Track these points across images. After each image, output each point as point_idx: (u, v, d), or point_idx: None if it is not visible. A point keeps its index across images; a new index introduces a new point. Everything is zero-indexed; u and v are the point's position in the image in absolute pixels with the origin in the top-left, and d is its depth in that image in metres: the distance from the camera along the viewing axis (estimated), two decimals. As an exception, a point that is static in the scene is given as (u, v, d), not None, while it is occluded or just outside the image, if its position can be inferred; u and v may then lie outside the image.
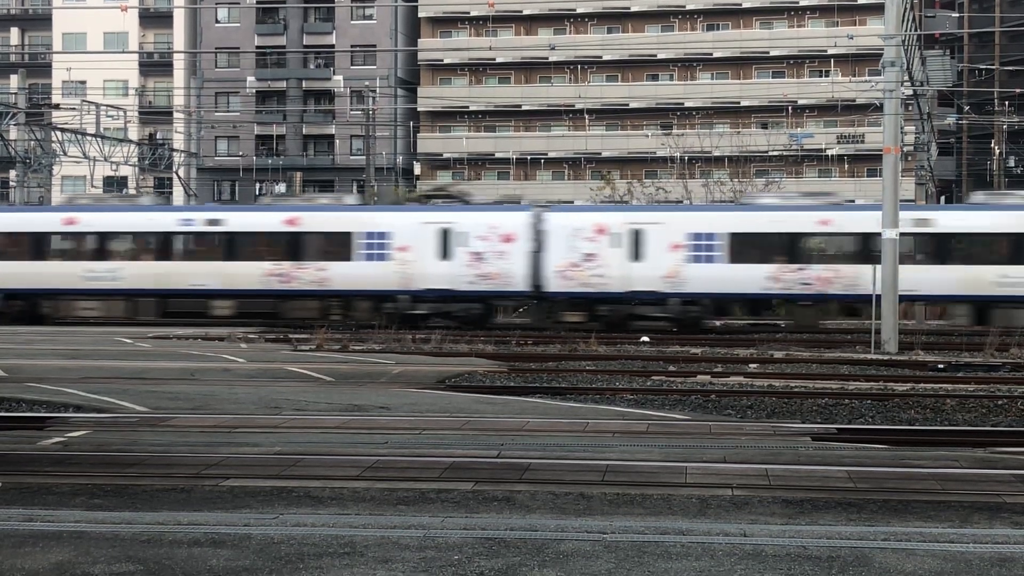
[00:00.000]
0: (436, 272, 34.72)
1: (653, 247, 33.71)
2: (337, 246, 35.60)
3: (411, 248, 34.92)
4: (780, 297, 34.14)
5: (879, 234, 33.21)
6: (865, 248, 33.09)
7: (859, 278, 32.67)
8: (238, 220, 37.27)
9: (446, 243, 34.74)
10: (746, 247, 33.82)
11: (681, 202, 51.46)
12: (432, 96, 68.75)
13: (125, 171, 57.03)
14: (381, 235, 35.26)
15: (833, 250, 33.89)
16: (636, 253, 33.76)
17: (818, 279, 33.21)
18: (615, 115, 67.50)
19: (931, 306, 36.90)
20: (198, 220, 37.12)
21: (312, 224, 36.05)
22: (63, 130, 49.86)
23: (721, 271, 33.51)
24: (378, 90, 64.64)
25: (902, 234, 33.32)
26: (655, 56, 66.43)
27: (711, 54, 65.91)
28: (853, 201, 48.28)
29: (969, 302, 32.89)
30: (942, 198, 65.01)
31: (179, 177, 60.75)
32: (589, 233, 34.07)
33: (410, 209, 37.87)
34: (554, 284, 34.26)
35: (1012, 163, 67.87)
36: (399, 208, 39.89)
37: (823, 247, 33.98)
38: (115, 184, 61.75)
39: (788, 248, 33.77)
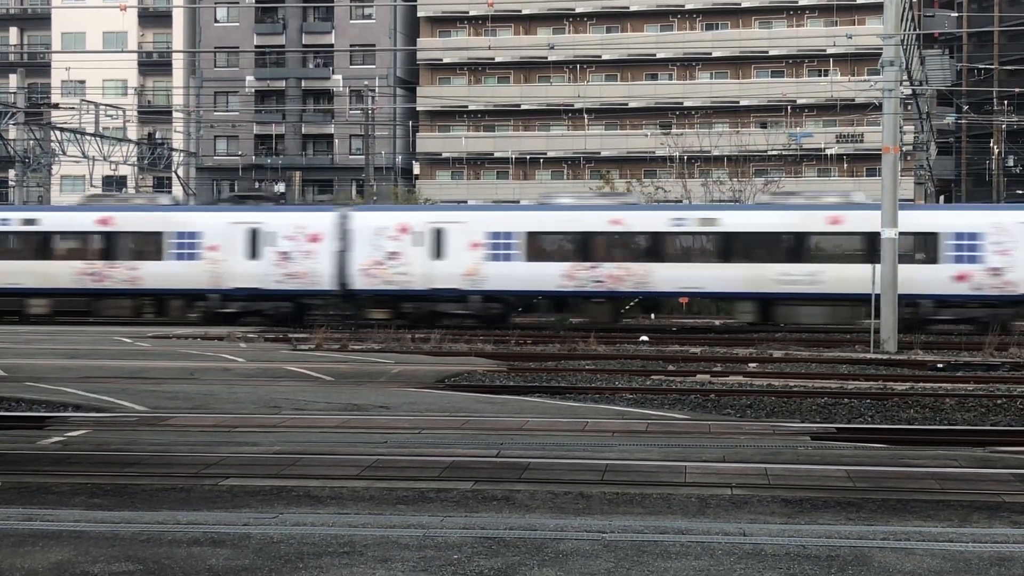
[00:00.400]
0: (245, 271, 35.28)
1: (454, 246, 34.35)
2: (148, 246, 36.23)
3: (220, 248, 35.50)
4: (575, 295, 34.60)
5: (666, 232, 33.62)
6: (654, 246, 33.88)
7: (649, 276, 33.55)
8: (52, 220, 38.04)
9: (255, 243, 35.34)
10: (542, 246, 34.65)
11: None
12: (431, 96, 68.72)
13: (124, 171, 57.09)
14: (191, 235, 35.82)
15: (624, 249, 34.30)
16: (437, 252, 34.42)
17: (610, 277, 33.77)
18: (614, 115, 67.45)
19: (717, 303, 37.66)
20: (14, 220, 37.83)
21: (124, 224, 36.62)
22: (62, 130, 49.85)
23: (518, 269, 34.19)
24: (377, 89, 64.58)
25: (689, 232, 33.89)
26: (654, 56, 66.39)
27: (710, 54, 65.90)
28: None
29: (753, 299, 33.48)
30: (940, 198, 65.01)
31: (178, 177, 60.75)
32: (392, 232, 34.70)
33: (219, 209, 38.73)
34: (359, 282, 34.80)
35: (1011, 163, 67.88)
36: (209, 208, 40.76)
37: (614, 246, 34.36)
38: (114, 183, 61.75)
39: (581, 247, 34.39)
